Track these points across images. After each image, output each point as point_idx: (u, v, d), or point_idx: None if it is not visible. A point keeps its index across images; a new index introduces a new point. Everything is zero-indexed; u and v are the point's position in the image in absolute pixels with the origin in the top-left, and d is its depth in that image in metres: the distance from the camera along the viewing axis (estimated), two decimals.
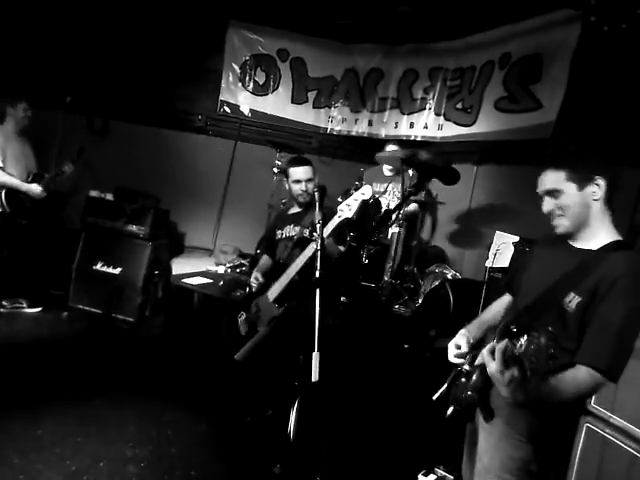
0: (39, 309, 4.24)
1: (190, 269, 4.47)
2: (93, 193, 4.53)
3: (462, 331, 1.73)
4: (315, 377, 1.24)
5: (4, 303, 4.03)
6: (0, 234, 3.85)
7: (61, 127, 4.49)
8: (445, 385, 1.66)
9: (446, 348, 3.21)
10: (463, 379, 1.60)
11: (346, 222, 2.22)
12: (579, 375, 1.32)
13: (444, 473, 2.44)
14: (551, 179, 1.47)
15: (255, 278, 2.76)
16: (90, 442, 2.47)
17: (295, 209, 2.96)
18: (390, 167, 4.32)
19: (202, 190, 5.32)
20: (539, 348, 1.12)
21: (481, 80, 4.44)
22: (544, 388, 1.31)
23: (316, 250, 1.50)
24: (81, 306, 4.33)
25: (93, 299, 4.30)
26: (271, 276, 2.65)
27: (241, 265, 4.61)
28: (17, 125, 3.90)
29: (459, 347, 1.64)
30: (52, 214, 4.22)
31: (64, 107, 4.50)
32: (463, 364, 1.64)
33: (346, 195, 3.99)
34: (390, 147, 4.39)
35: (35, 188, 3.94)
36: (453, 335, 3.26)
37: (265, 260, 3.02)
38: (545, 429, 1.45)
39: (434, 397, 1.68)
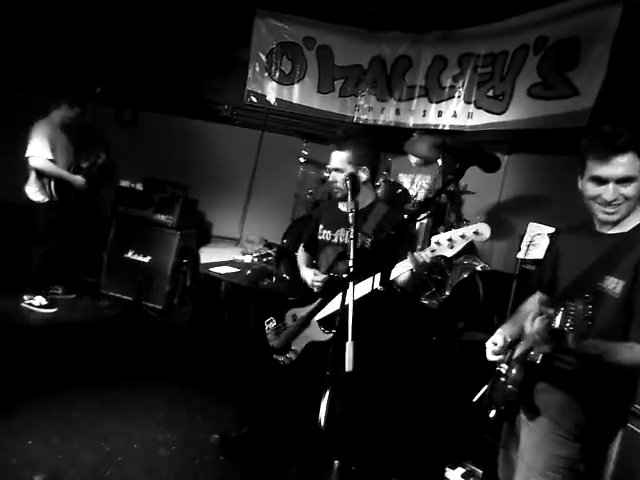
0: (73, 295, 4.38)
1: (217, 258, 4.51)
2: (123, 183, 4.63)
3: (499, 330, 1.70)
4: (349, 367, 1.23)
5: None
6: (50, 224, 3.99)
7: (90, 118, 4.57)
8: (485, 387, 1.63)
9: (475, 341, 3.16)
10: (503, 379, 1.57)
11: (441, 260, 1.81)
12: (636, 347, 1.33)
13: (472, 467, 2.42)
14: (631, 166, 1.36)
15: (315, 279, 2.28)
16: (123, 425, 2.56)
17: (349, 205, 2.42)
18: (417, 159, 4.25)
19: (229, 180, 5.35)
20: (576, 314, 1.15)
21: (514, 66, 4.30)
22: (601, 346, 1.32)
23: (350, 239, 1.49)
24: (112, 293, 4.46)
25: (124, 286, 4.41)
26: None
27: (267, 255, 4.63)
28: (62, 120, 4.01)
29: (496, 344, 1.61)
30: (87, 203, 4.33)
31: (93, 98, 4.58)
32: (502, 361, 1.61)
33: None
34: (416, 136, 4.31)
35: (80, 179, 4.07)
36: (482, 328, 3.22)
37: (307, 258, 2.55)
38: (593, 427, 1.41)
39: (474, 399, 1.66)
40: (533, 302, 1.76)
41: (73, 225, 4.21)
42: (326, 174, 4.33)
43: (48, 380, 2.88)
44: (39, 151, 3.81)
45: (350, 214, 1.61)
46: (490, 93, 4.51)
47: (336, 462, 2.08)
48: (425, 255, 1.78)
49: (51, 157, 3.87)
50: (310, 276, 2.33)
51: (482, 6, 4.60)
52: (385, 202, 3.70)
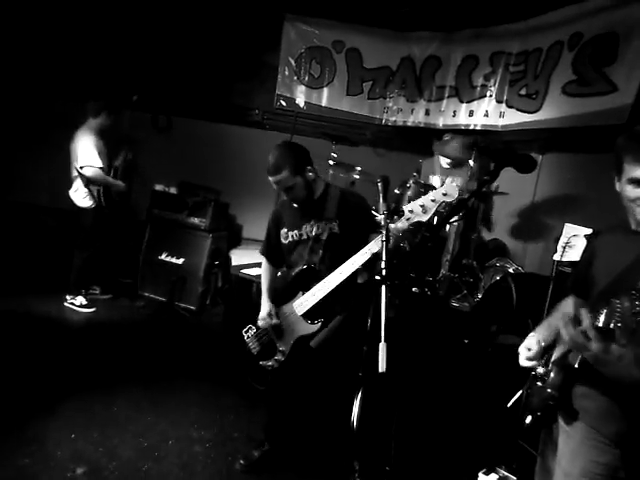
0: (110, 296, 4.55)
1: (247, 260, 4.58)
2: (158, 187, 4.76)
3: (532, 334, 1.66)
4: (382, 368, 1.24)
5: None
6: (95, 228, 4.16)
7: (128, 124, 4.74)
8: (520, 392, 1.60)
9: (508, 344, 3.10)
10: (539, 383, 1.54)
11: (418, 225, 1.87)
12: None
13: (506, 473, 2.37)
14: None
15: (264, 318, 2.27)
16: (159, 422, 2.64)
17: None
18: (448, 160, 4.21)
19: (258, 183, 5.32)
20: (623, 310, 1.11)
21: (548, 63, 4.20)
22: None
23: (382, 241, 1.49)
24: (147, 294, 4.60)
25: (158, 287, 4.55)
26: (297, 283, 2.22)
27: None
28: (101, 127, 4.14)
29: (530, 349, 1.57)
30: (124, 207, 4.49)
31: (130, 106, 4.75)
32: (535, 367, 1.57)
33: (403, 187, 3.91)
34: (447, 137, 4.26)
35: (121, 183, 4.23)
36: (516, 331, 3.16)
37: (270, 272, 2.47)
38: (636, 433, 1.36)
39: (509, 404, 1.62)
40: (568, 304, 1.72)
41: (113, 228, 4.37)
42: (355, 176, 4.35)
43: (89, 377, 3.00)
44: (91, 161, 3.98)
45: (382, 216, 1.62)
46: (523, 92, 4.41)
47: (356, 464, 2.07)
48: (401, 225, 1.81)
49: (101, 165, 4.03)
50: (265, 310, 2.29)
51: (514, 3, 4.52)
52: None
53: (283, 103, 5.44)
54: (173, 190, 4.73)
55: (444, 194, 1.73)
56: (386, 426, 1.32)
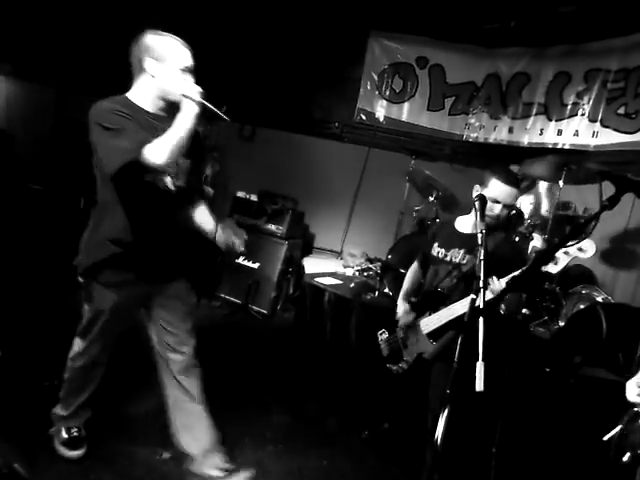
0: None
1: (319, 269, 4.68)
2: (240, 193, 5.01)
3: None
4: (480, 387, 1.24)
5: None
6: None
7: (216, 134, 5.04)
8: (620, 426, 1.51)
9: (594, 377, 2.91)
10: None
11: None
12: None
13: None
14: None
15: (402, 317, 2.48)
16: (235, 417, 2.74)
17: (466, 227, 2.42)
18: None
19: (334, 194, 5.53)
20: None
21: None
22: None
23: (479, 260, 1.49)
24: (223, 295, 4.82)
25: (233, 289, 4.76)
26: (427, 303, 2.38)
27: (368, 269, 4.70)
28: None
29: None
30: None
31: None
32: None
33: None
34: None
35: (209, 189, 4.54)
36: (604, 364, 2.95)
37: (416, 276, 2.65)
38: None
39: (605, 437, 1.54)
40: None
41: None
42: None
43: None
44: None
45: (479, 235, 1.61)
46: (621, 111, 4.16)
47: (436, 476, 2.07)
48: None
49: None
50: (401, 309, 2.51)
51: (614, 18, 4.28)
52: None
53: (363, 117, 5.51)
54: (253, 197, 4.95)
55: (579, 249, 1.73)
56: (479, 445, 1.30)
